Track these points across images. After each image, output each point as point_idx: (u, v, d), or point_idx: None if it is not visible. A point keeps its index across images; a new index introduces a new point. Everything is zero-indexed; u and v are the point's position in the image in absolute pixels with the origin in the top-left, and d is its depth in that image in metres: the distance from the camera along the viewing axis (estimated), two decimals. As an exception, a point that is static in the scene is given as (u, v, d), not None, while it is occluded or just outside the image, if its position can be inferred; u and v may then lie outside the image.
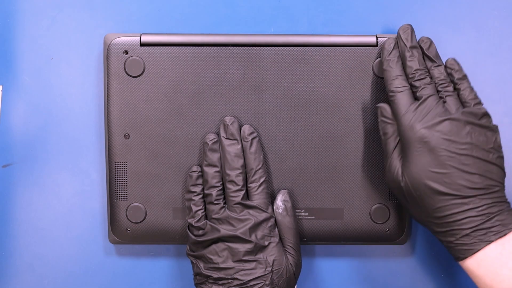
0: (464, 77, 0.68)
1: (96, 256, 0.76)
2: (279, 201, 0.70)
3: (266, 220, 0.69)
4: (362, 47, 0.71)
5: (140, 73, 0.71)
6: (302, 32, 0.73)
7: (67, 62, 0.74)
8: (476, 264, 0.64)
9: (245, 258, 0.67)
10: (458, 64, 0.68)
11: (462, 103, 0.67)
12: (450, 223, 0.64)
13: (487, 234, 0.63)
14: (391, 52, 0.68)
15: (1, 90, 0.75)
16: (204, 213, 0.70)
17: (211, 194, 0.69)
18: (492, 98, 0.74)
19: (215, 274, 0.67)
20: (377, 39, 0.71)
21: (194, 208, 0.69)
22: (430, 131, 0.64)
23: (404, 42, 0.68)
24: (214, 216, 0.69)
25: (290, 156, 0.72)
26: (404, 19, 0.73)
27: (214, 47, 0.71)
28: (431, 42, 0.69)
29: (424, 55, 0.68)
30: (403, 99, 0.66)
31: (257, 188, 0.69)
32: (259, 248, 0.68)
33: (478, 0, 0.73)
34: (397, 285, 0.76)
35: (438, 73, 0.68)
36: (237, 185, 0.68)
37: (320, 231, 0.73)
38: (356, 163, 0.72)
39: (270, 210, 0.69)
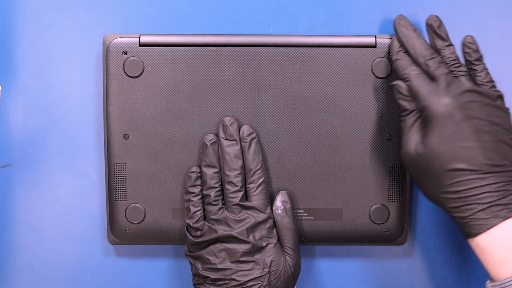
0: (481, 58, 0.68)
1: (95, 256, 0.76)
2: (279, 202, 0.70)
3: (264, 221, 0.69)
4: (361, 48, 0.71)
5: (139, 73, 0.71)
6: (302, 33, 0.73)
7: (67, 62, 0.74)
8: (489, 240, 0.63)
9: (243, 258, 0.67)
10: (476, 43, 0.68)
11: (477, 84, 0.67)
12: (466, 197, 0.63)
13: (503, 211, 0.63)
14: (398, 50, 0.68)
15: (0, 91, 0.75)
16: (202, 214, 0.70)
17: (209, 195, 0.69)
18: (492, 99, 0.74)
19: (213, 275, 0.67)
20: (376, 39, 0.71)
21: (193, 209, 0.69)
22: (451, 108, 0.64)
23: (405, 28, 0.68)
24: (212, 217, 0.69)
25: (289, 156, 0.72)
26: (403, 19, 0.73)
27: (213, 48, 0.71)
28: (441, 21, 0.68)
29: (435, 34, 0.68)
30: (420, 79, 0.66)
31: (256, 189, 0.69)
32: (257, 249, 0.68)
33: (478, 0, 0.73)
34: (396, 285, 0.76)
35: (449, 53, 0.67)
36: (236, 186, 0.68)
37: (319, 231, 0.73)
38: (355, 164, 0.72)
39: (268, 211, 0.69)
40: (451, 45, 0.68)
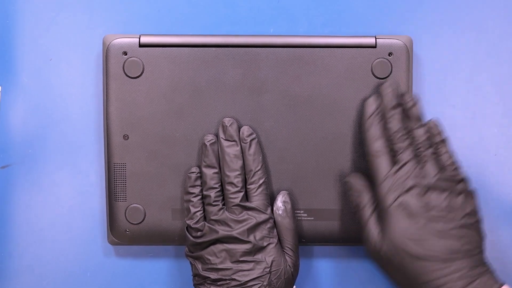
0: (444, 141, 0.68)
1: (95, 257, 0.76)
2: (279, 202, 0.70)
3: (265, 221, 0.69)
4: (361, 48, 0.71)
5: (139, 74, 0.71)
6: (302, 33, 0.73)
7: (67, 62, 0.74)
8: None
9: (243, 258, 0.67)
10: (439, 126, 0.68)
11: (441, 167, 0.67)
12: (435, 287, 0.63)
13: None
14: (372, 114, 0.68)
15: (0, 91, 0.75)
16: (202, 214, 0.70)
17: (209, 196, 0.69)
18: (491, 99, 0.74)
19: (213, 275, 0.67)
20: (376, 40, 0.71)
21: (193, 210, 0.69)
22: (408, 198, 0.64)
23: (386, 102, 0.68)
24: (212, 218, 0.69)
25: (289, 157, 0.72)
26: (403, 20, 0.73)
27: (213, 48, 0.71)
28: (416, 102, 0.68)
29: (407, 115, 0.68)
30: (381, 164, 0.66)
31: (256, 190, 0.69)
32: (258, 249, 0.68)
33: (478, 0, 0.73)
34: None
35: (419, 135, 0.67)
36: (236, 186, 0.68)
37: (319, 232, 0.73)
38: (355, 164, 0.72)
39: (269, 211, 0.69)
40: (421, 126, 0.68)
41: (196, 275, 0.69)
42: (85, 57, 0.74)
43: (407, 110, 0.68)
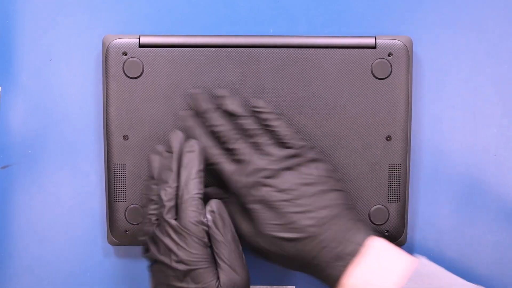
0: (271, 113, 0.68)
1: (95, 257, 0.76)
2: (207, 213, 0.65)
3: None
4: (361, 49, 0.71)
5: (139, 74, 0.71)
6: (301, 33, 0.72)
7: (66, 63, 0.74)
8: None
9: (173, 283, 0.64)
10: (261, 103, 0.68)
11: (279, 141, 0.67)
12: (316, 263, 0.63)
13: (343, 258, 0.62)
14: (191, 128, 0.68)
15: (0, 91, 0.75)
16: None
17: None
18: (491, 100, 0.74)
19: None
20: (376, 40, 0.71)
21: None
22: (258, 189, 0.64)
23: (197, 111, 0.68)
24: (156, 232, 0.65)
25: (289, 157, 0.72)
26: (403, 20, 0.73)
27: (213, 49, 0.71)
28: (225, 96, 0.68)
29: (226, 111, 0.68)
30: (224, 167, 0.67)
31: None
32: (185, 274, 0.63)
33: (477, 1, 0.73)
34: None
35: (244, 124, 0.67)
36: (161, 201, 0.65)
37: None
38: (354, 165, 0.72)
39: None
40: (241, 116, 0.67)
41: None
42: (85, 58, 0.74)
43: (223, 108, 0.68)
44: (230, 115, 0.68)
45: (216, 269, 0.64)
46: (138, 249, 0.75)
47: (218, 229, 0.64)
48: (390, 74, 0.71)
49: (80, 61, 0.74)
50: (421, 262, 0.62)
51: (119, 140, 0.72)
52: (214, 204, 0.65)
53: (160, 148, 0.67)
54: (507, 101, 0.74)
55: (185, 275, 0.63)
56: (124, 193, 0.72)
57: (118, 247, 0.76)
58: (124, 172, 0.72)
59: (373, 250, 0.63)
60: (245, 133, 0.67)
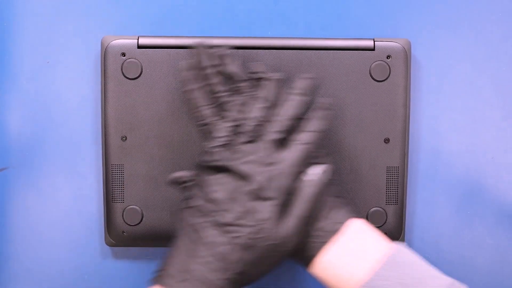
0: (267, 78, 0.66)
1: (93, 259, 0.76)
2: (313, 171, 0.63)
3: (284, 173, 0.61)
4: (360, 51, 0.71)
5: (138, 75, 0.71)
6: (299, 36, 0.73)
7: (65, 64, 0.74)
8: (318, 268, 0.62)
9: (238, 197, 0.60)
10: (259, 67, 0.66)
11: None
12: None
13: (321, 236, 0.61)
14: (188, 81, 0.66)
15: (-1, 93, 0.75)
16: (224, 141, 0.63)
17: (244, 124, 0.63)
18: (490, 102, 0.74)
19: (200, 202, 0.61)
20: (374, 42, 0.71)
21: (217, 133, 0.63)
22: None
23: (200, 64, 0.66)
24: (236, 146, 0.62)
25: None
26: (401, 23, 0.73)
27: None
28: (227, 55, 0.66)
29: (224, 73, 0.66)
30: (216, 130, 0.64)
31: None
32: (258, 197, 0.60)
33: (476, 3, 0.74)
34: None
35: (242, 88, 0.65)
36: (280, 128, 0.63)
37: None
38: (352, 167, 0.72)
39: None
40: (241, 80, 0.66)
41: (187, 198, 0.64)
42: (83, 59, 0.74)
43: (224, 68, 0.66)
44: (228, 75, 0.66)
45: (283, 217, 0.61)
46: (136, 250, 0.76)
47: (309, 188, 0.62)
48: (388, 76, 0.71)
49: (79, 62, 0.74)
50: (399, 249, 0.61)
51: (117, 141, 0.72)
52: (324, 168, 0.63)
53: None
54: (506, 103, 0.74)
55: (258, 198, 0.60)
56: (122, 194, 0.72)
57: (115, 248, 0.76)
58: (122, 173, 0.72)
59: (352, 231, 0.62)
60: (240, 96, 0.65)
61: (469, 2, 0.73)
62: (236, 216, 0.60)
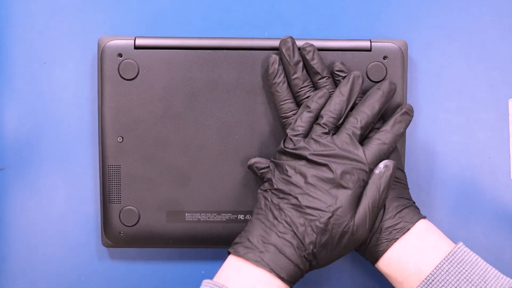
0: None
1: (89, 259, 0.76)
2: (382, 164, 0.66)
3: (361, 169, 0.65)
4: (356, 52, 0.71)
5: (134, 76, 0.71)
6: (296, 37, 0.73)
7: (61, 65, 0.74)
8: (386, 263, 0.66)
9: (317, 183, 0.64)
10: (344, 66, 0.70)
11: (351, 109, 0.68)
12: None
13: (391, 233, 0.65)
14: (276, 74, 0.69)
15: (-5, 93, 0.75)
16: (305, 130, 0.67)
17: (322, 117, 0.67)
18: (486, 103, 0.74)
19: (281, 186, 0.65)
20: (371, 43, 0.71)
21: (298, 122, 0.67)
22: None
23: (286, 58, 0.69)
24: (314, 137, 0.66)
25: (284, 159, 0.72)
26: (398, 24, 0.74)
27: (208, 51, 0.71)
28: (314, 50, 0.69)
29: (308, 67, 0.69)
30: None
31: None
32: (337, 185, 0.64)
33: (471, 5, 0.74)
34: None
35: (322, 85, 0.69)
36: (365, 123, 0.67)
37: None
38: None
39: (372, 164, 0.66)
40: (323, 77, 0.69)
41: (267, 180, 0.67)
42: (80, 60, 0.74)
43: (308, 62, 0.69)
44: (312, 70, 0.69)
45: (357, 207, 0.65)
46: (133, 251, 0.75)
47: (384, 180, 0.65)
48: (385, 77, 0.71)
49: (75, 63, 0.74)
50: (461, 248, 0.65)
51: (114, 142, 0.72)
52: (394, 163, 0.66)
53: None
54: (501, 104, 0.74)
55: (337, 186, 0.64)
56: (119, 194, 0.72)
57: (112, 249, 0.76)
58: (119, 174, 0.72)
59: (418, 229, 0.66)
60: (321, 91, 0.68)
61: (465, 3, 0.74)
62: (315, 200, 0.64)
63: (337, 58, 0.71)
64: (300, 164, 0.65)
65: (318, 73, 0.68)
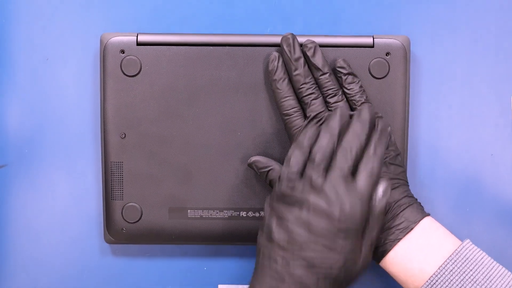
0: (350, 73, 0.69)
1: (92, 256, 0.76)
2: (380, 190, 0.62)
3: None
4: (359, 48, 0.71)
5: (137, 72, 0.71)
6: (298, 33, 0.72)
7: (63, 61, 0.74)
8: (390, 263, 0.66)
9: (320, 232, 0.60)
10: (345, 62, 0.69)
11: (351, 105, 0.68)
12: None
13: (395, 233, 0.65)
14: (276, 71, 0.69)
15: (-3, 90, 0.75)
16: (301, 169, 0.62)
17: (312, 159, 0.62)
18: (488, 99, 0.74)
19: (284, 237, 0.60)
20: (373, 39, 0.71)
21: (293, 160, 0.62)
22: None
23: (288, 55, 0.68)
24: (314, 182, 0.61)
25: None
26: (401, 20, 0.74)
27: (211, 47, 0.71)
28: (315, 47, 0.69)
29: (309, 64, 0.69)
30: (297, 122, 0.68)
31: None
32: (339, 230, 0.60)
33: (474, 1, 0.74)
34: (397, 286, 0.76)
35: (324, 82, 0.68)
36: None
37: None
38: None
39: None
40: (325, 73, 0.68)
41: (264, 226, 0.63)
42: (82, 56, 0.74)
43: (309, 59, 0.68)
44: (313, 66, 0.69)
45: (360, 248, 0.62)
46: (135, 247, 0.75)
47: (378, 208, 0.62)
48: (387, 73, 0.71)
49: (78, 59, 0.74)
50: (467, 246, 0.64)
51: (117, 138, 0.72)
52: (386, 183, 0.62)
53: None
54: (504, 100, 0.74)
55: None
56: (121, 191, 0.72)
57: (114, 246, 0.76)
58: (121, 170, 0.72)
59: (422, 227, 0.65)
60: (321, 89, 0.69)
61: (468, 0, 0.74)
62: (320, 250, 0.60)
63: (339, 55, 0.71)
64: (299, 214, 0.60)
65: (319, 69, 0.68)
